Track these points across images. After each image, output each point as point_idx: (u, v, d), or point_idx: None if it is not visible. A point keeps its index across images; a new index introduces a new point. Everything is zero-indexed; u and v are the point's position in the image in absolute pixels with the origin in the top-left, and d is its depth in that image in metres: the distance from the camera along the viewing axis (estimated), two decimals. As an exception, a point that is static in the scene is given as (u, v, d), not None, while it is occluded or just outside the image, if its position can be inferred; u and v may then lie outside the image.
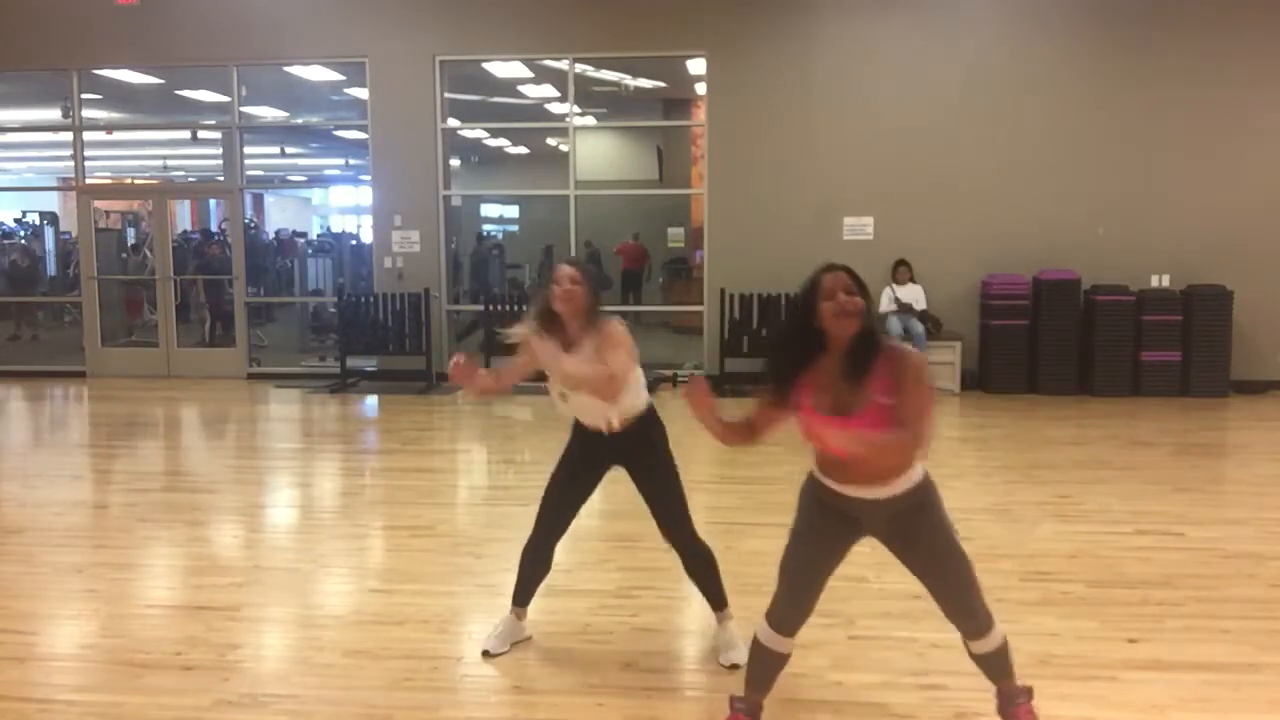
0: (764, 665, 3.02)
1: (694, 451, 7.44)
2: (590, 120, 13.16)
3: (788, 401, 2.79)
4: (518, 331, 3.60)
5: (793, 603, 2.95)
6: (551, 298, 3.46)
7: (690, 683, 3.61)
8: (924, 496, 2.84)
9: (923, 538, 2.85)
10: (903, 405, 2.66)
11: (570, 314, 3.45)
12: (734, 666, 3.55)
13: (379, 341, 10.37)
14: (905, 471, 2.78)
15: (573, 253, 11.02)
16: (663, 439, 3.64)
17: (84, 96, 11.20)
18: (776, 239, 9.96)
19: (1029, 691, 3.02)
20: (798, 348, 2.78)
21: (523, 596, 3.82)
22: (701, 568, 3.67)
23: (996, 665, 2.97)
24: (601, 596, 4.31)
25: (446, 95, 10.68)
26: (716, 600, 3.71)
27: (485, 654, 3.71)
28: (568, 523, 3.74)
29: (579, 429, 3.64)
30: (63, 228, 18.53)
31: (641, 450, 3.59)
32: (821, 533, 2.90)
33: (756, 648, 3.02)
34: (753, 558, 4.79)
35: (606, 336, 3.45)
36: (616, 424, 3.52)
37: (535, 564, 3.76)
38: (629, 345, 3.47)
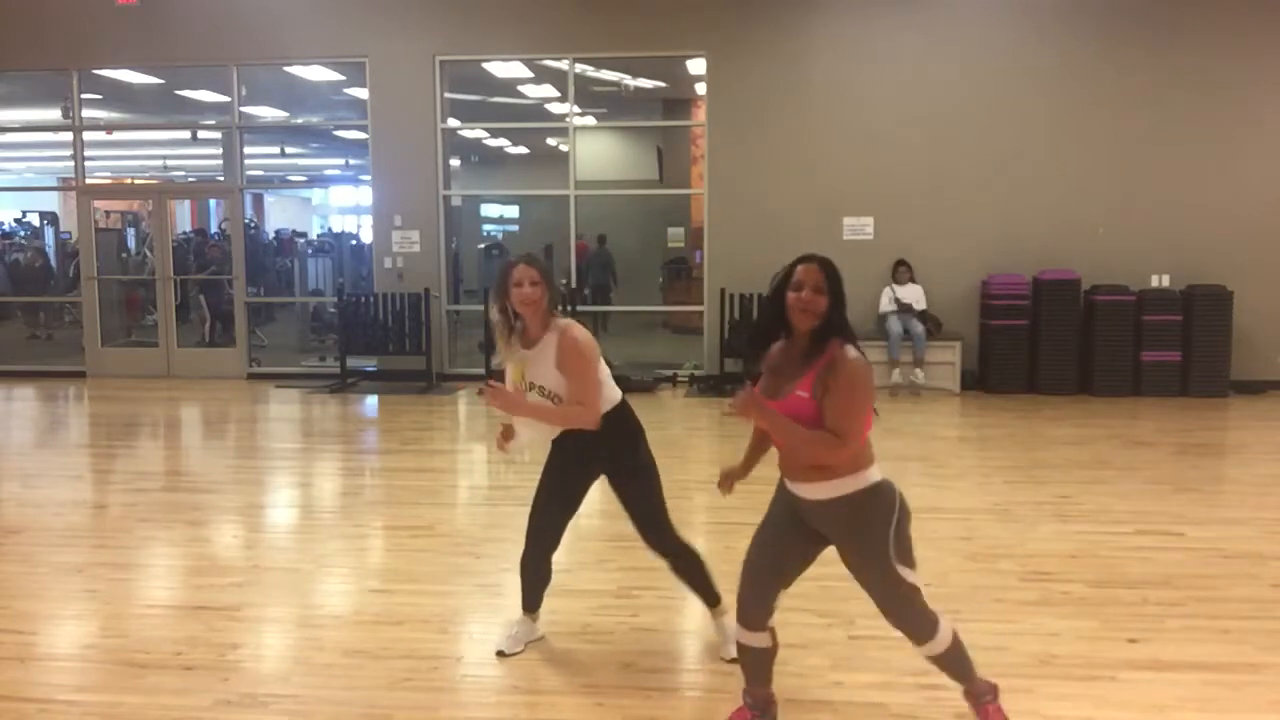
0: (746, 660, 3.09)
1: (693, 451, 7.45)
2: (590, 120, 13.16)
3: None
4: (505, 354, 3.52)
5: (750, 591, 2.99)
6: (512, 300, 3.40)
7: (690, 683, 3.61)
8: (865, 512, 2.79)
9: (853, 550, 2.86)
10: (828, 407, 2.69)
11: (532, 315, 3.42)
12: (735, 660, 3.55)
13: (379, 341, 10.38)
14: (834, 477, 2.76)
15: (572, 250, 11.02)
16: (641, 438, 3.59)
17: (84, 96, 11.21)
18: (776, 239, 9.94)
19: (995, 689, 3.04)
20: (768, 328, 2.88)
21: (531, 604, 3.82)
22: (688, 567, 3.66)
23: (950, 667, 2.98)
24: (601, 596, 4.31)
25: (446, 95, 10.68)
26: (709, 597, 3.71)
27: (500, 654, 3.72)
28: (559, 533, 3.68)
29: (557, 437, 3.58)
30: (63, 228, 18.55)
31: (623, 449, 3.53)
32: (775, 521, 3.00)
33: (738, 644, 3.10)
34: (753, 558, 4.80)
35: (568, 346, 3.36)
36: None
37: (534, 576, 3.75)
38: (591, 353, 3.40)
